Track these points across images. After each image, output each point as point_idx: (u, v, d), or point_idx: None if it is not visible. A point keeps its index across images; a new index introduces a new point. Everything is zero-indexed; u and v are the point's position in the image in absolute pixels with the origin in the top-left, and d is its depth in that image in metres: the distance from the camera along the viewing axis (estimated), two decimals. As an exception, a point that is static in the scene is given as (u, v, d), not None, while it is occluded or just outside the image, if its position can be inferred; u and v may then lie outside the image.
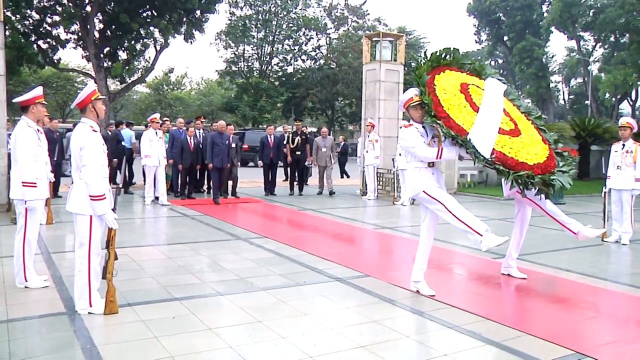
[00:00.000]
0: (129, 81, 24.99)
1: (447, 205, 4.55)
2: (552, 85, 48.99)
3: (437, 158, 4.57)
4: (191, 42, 25.32)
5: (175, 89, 50.10)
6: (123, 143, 12.53)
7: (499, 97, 4.91)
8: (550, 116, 41.89)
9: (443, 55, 5.15)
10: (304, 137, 12.70)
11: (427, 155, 4.58)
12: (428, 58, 4.98)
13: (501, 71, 74.28)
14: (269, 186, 12.83)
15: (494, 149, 4.43)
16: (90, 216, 3.99)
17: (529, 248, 7.21)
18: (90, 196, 3.92)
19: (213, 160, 10.73)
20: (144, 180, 12.96)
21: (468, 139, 4.39)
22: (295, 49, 41.90)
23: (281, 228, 8.42)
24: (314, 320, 4.08)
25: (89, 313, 4.06)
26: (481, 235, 4.34)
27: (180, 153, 11.30)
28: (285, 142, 12.72)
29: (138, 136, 16.54)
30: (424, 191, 4.64)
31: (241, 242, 7.21)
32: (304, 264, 5.95)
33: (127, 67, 23.88)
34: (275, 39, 41.34)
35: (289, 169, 13.14)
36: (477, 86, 5.08)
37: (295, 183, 13.12)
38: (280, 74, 42.77)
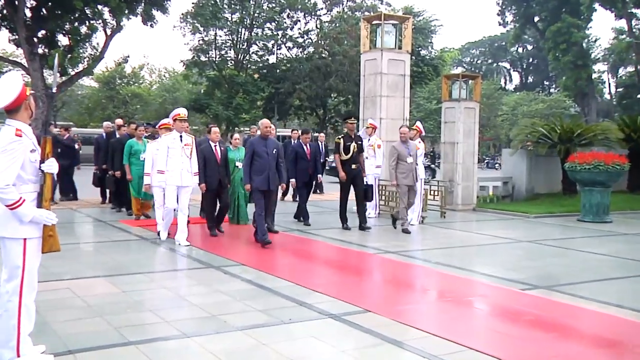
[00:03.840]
0: (73, 73, 24.84)
1: None
2: (594, 76, 49.16)
3: None
4: (151, 26, 25.34)
5: (132, 83, 50.13)
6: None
7: None
8: (592, 114, 42.12)
9: None
10: (359, 142, 10.85)
11: None
12: None
13: (530, 60, 75.90)
14: (305, 212, 11.46)
15: None
16: (25, 240, 3.95)
17: (567, 277, 7.26)
18: (7, 207, 3.86)
19: (252, 181, 8.86)
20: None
21: None
22: (278, 35, 42.09)
23: (262, 253, 8.41)
24: (302, 368, 4.06)
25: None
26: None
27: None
28: (329, 151, 12.19)
29: (85, 141, 16.38)
30: None
31: (213, 270, 7.18)
32: (290, 297, 5.94)
33: (69, 56, 23.69)
34: (253, 22, 41.53)
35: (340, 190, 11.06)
36: None
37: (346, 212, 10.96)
38: (260, 65, 42.92)
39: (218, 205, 10.00)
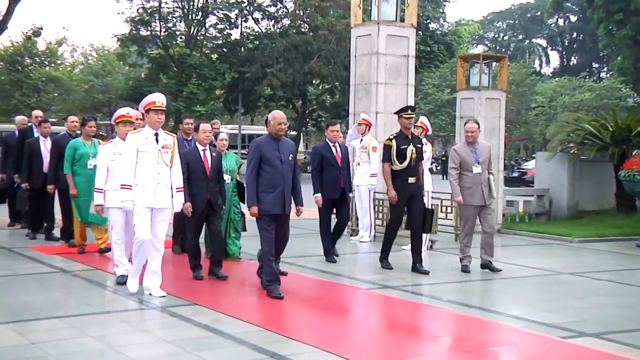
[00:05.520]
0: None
1: None
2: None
3: None
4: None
5: (46, 63, 49.72)
6: None
7: None
8: (657, 106, 42.50)
9: None
10: (419, 145, 10.05)
11: None
12: None
13: (573, 35, 76.29)
14: (336, 238, 10.94)
15: None
16: None
17: (624, 321, 7.31)
18: None
19: (260, 202, 8.12)
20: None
21: None
22: (243, 2, 42.16)
23: (221, 289, 8.39)
24: None
25: None
26: None
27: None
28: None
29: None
30: None
31: (155, 312, 7.13)
32: (259, 347, 5.91)
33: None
34: (210, -15, 41.61)
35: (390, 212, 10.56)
36: None
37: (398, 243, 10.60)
38: (219, 42, 42.86)
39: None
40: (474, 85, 14.66)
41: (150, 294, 7.84)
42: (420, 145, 10.05)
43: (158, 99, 8.16)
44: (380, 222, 12.98)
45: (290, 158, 8.23)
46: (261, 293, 8.12)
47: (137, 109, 9.29)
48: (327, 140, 10.98)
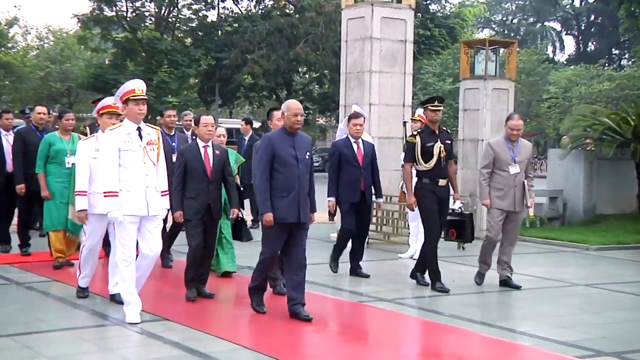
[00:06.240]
0: None
1: None
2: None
3: None
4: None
5: (-3, 47, 49.57)
6: None
7: None
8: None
9: None
10: (448, 142, 9.83)
11: None
12: None
13: (591, 18, 76.27)
14: (356, 256, 10.60)
15: None
16: None
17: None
18: None
19: (273, 209, 7.70)
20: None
21: None
22: (220, -22, 42.18)
23: (196, 303, 8.36)
24: None
25: None
26: None
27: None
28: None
29: None
30: None
31: (120, 329, 7.10)
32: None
33: None
34: (182, -41, 41.59)
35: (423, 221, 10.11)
36: None
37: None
38: (194, 24, 42.81)
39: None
40: (479, 74, 14.70)
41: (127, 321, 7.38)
42: (450, 142, 9.69)
43: (137, 86, 7.70)
44: (374, 226, 12.98)
45: (306, 156, 7.85)
46: (236, 307, 8.13)
47: (97, 101, 9.00)
48: (348, 135, 10.61)
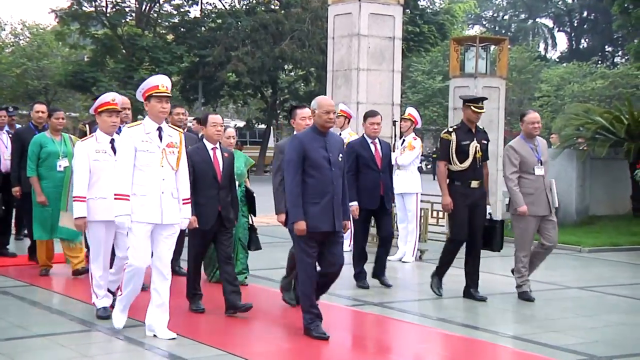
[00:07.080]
0: None
1: None
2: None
3: None
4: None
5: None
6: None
7: None
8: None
9: None
10: (485, 142, 9.50)
11: None
12: None
13: (584, 14, 76.57)
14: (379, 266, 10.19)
15: None
16: None
17: None
18: None
19: (306, 216, 7.22)
20: None
21: None
22: (203, -27, 42.15)
23: (179, 307, 8.29)
24: None
25: None
26: None
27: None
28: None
29: None
30: None
31: (102, 335, 7.07)
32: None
33: None
34: (166, -45, 41.53)
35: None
36: None
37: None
38: (176, 20, 42.77)
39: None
40: (469, 71, 14.72)
41: (155, 336, 7.03)
42: (486, 142, 9.41)
43: (162, 82, 7.23)
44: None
45: (339, 158, 7.40)
46: (223, 313, 8.06)
47: (96, 98, 8.50)
48: (364, 135, 10.16)
